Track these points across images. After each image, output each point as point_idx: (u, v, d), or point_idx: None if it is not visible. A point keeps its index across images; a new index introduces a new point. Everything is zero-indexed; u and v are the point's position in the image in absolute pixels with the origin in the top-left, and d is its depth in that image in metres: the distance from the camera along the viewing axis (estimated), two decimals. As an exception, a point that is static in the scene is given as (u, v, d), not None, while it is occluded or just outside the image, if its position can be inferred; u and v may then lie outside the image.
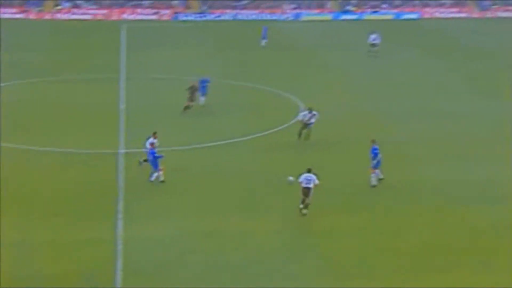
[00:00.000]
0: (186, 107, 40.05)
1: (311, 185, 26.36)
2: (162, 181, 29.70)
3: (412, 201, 28.63)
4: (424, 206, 28.11)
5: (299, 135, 35.25)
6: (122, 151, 33.84)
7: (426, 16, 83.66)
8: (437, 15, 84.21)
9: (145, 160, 30.65)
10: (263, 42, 62.45)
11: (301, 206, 26.56)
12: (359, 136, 35.43)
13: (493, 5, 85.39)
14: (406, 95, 45.58)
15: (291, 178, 27.10)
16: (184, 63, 54.65)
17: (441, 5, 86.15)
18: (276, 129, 37.39)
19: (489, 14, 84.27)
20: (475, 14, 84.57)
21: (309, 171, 26.80)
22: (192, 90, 40.22)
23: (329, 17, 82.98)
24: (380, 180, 29.75)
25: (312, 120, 35.07)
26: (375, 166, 29.42)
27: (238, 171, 31.52)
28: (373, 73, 52.54)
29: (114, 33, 68.50)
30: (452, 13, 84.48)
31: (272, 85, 46.80)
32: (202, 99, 41.46)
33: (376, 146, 29.59)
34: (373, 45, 58.48)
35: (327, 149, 34.76)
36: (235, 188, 29.82)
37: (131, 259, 23.35)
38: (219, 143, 34.74)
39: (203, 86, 41.42)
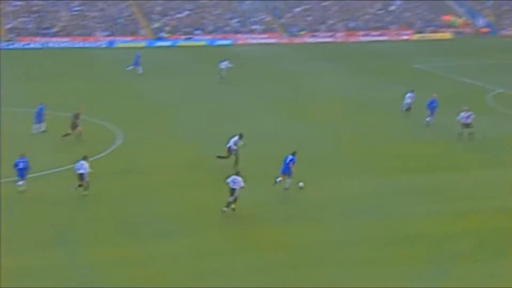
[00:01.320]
0: (66, 134, 39.22)
1: (236, 187, 28.45)
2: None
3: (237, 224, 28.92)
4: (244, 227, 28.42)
5: (234, 160, 34.71)
6: None
7: (239, 42, 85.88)
8: (249, 41, 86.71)
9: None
10: (139, 70, 61.50)
11: (230, 201, 28.47)
12: (172, 162, 35.45)
13: (300, 31, 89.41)
14: (226, 118, 46.19)
15: (301, 183, 31.23)
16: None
17: (252, 32, 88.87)
18: (93, 158, 36.29)
19: (297, 40, 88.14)
20: (284, 40, 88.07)
21: (237, 173, 28.97)
22: (75, 117, 39.51)
23: (143, 44, 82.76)
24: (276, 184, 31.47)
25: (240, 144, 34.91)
26: (284, 172, 31.44)
27: (57, 201, 30.11)
28: (189, 98, 52.90)
29: None
30: (262, 39, 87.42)
31: (87, 114, 45.47)
32: (36, 127, 40.79)
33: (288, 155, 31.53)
34: (225, 70, 59.43)
35: (146, 174, 34.41)
36: (51, 219, 28.42)
37: None
38: (36, 174, 32.98)
39: (38, 113, 40.70)
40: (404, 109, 46.79)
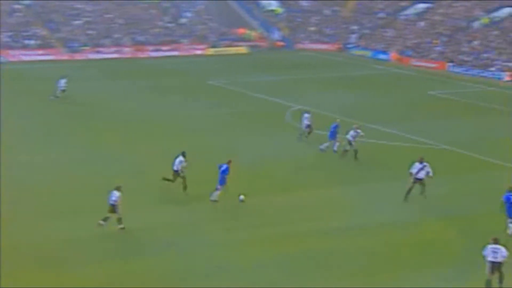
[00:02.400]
0: None
1: (113, 202, 27.31)
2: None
3: None
4: None
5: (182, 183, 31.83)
6: None
7: (11, 59, 75.19)
8: (23, 58, 76.33)
9: None
10: None
11: (109, 216, 27.22)
12: None
13: (82, 46, 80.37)
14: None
15: (241, 197, 30.32)
16: None
17: (25, 47, 78.42)
18: None
19: (79, 56, 78.96)
20: (65, 56, 78.56)
21: (117, 188, 27.42)
22: None
23: None
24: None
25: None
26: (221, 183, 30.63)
27: None
28: None
29: None
30: (39, 55, 77.35)
31: None
32: None
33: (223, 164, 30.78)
34: (63, 90, 53.95)
35: None
36: None
37: None
38: None
39: None
40: (304, 132, 42.06)
